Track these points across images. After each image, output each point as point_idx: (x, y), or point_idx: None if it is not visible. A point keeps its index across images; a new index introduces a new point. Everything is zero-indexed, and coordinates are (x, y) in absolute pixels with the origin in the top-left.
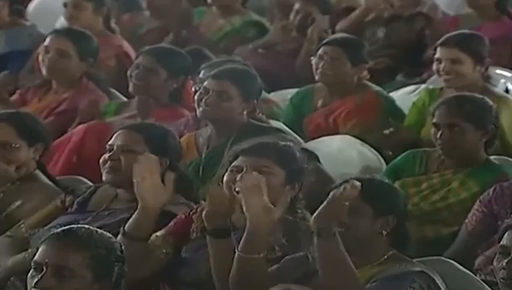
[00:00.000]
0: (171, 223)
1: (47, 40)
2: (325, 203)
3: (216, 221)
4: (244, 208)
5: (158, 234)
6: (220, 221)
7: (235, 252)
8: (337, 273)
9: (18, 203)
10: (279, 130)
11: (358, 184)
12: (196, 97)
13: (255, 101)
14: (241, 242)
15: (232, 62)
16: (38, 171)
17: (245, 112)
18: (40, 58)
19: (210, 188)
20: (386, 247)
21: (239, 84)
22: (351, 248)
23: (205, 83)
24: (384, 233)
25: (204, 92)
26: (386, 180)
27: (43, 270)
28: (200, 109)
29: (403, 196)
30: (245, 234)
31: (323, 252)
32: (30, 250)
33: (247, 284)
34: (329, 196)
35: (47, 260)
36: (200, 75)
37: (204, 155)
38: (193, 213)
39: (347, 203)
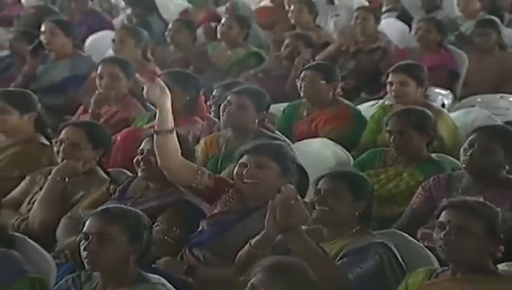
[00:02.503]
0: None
1: (100, 68)
2: (279, 209)
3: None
4: (277, 216)
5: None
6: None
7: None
8: (311, 258)
9: (80, 194)
10: (279, 139)
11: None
12: (221, 108)
13: (265, 113)
14: (256, 240)
15: (235, 83)
16: (97, 167)
17: (256, 121)
18: (97, 82)
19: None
20: (355, 223)
21: (254, 99)
22: (331, 224)
23: (228, 97)
24: (357, 214)
25: (227, 104)
26: (361, 174)
27: (89, 238)
28: (224, 117)
29: (372, 186)
30: (264, 234)
31: (295, 244)
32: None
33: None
34: (277, 202)
35: (91, 230)
36: (213, 92)
37: (222, 153)
38: (230, 184)
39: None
